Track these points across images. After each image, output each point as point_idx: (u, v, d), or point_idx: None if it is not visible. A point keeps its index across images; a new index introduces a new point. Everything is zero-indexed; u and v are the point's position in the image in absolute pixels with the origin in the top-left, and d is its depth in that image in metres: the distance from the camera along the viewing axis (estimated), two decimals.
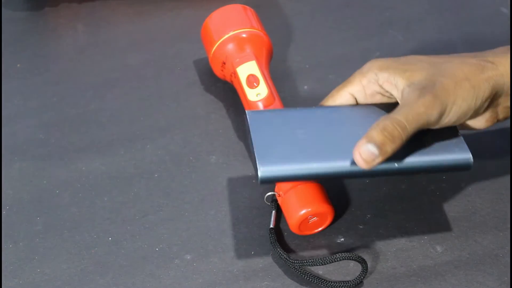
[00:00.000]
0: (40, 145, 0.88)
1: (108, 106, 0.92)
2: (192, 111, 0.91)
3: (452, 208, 0.81)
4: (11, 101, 0.93)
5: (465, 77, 0.73)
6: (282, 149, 0.73)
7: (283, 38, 0.98)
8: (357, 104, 0.77)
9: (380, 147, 0.70)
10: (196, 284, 0.76)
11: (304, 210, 0.77)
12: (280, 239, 0.79)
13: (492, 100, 0.75)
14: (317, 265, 0.76)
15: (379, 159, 0.70)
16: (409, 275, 0.76)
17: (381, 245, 0.79)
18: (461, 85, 0.73)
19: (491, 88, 0.74)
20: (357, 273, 0.76)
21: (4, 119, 0.91)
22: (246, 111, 0.76)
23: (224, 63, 0.88)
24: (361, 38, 0.99)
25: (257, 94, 0.84)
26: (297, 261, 0.76)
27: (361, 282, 0.76)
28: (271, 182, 0.73)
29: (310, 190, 0.78)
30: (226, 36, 0.88)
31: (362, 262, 0.75)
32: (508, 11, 1.01)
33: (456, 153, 0.74)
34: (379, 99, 0.77)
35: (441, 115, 0.72)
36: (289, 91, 0.92)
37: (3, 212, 0.82)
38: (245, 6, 0.91)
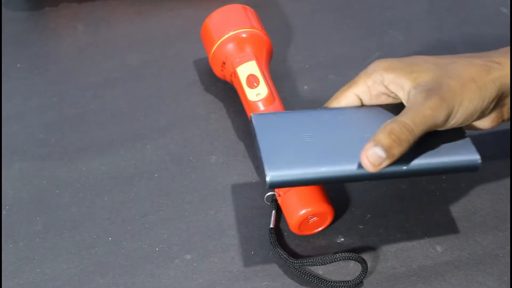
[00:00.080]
0: (40, 145, 0.88)
1: (108, 106, 0.92)
2: (192, 111, 0.91)
3: (452, 208, 0.81)
4: (11, 101, 0.93)
5: (472, 78, 0.73)
6: (289, 153, 0.72)
7: (283, 38, 0.98)
8: (362, 105, 0.77)
9: (387, 150, 0.70)
10: (196, 284, 0.76)
11: (304, 210, 0.77)
12: (280, 239, 0.79)
13: (498, 100, 0.75)
14: (317, 265, 0.76)
15: (386, 163, 0.70)
16: (409, 275, 0.76)
17: (381, 245, 0.78)
18: (468, 87, 0.72)
19: (498, 89, 0.73)
20: (357, 273, 0.76)
21: (4, 119, 0.91)
22: (252, 115, 0.76)
23: (224, 63, 0.88)
24: (361, 38, 0.99)
25: (257, 94, 0.84)
26: (297, 261, 0.76)
27: (361, 282, 0.76)
28: (279, 186, 0.72)
29: (310, 190, 0.78)
30: (226, 36, 0.88)
31: (362, 262, 0.75)
32: (508, 11, 1.01)
33: (464, 155, 0.73)
34: (384, 99, 0.77)
35: (448, 117, 0.72)
36: (289, 91, 0.92)
37: (3, 212, 0.82)
38: (245, 6, 0.91)
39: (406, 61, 0.76)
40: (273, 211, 0.80)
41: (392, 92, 0.76)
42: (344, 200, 0.82)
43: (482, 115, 0.74)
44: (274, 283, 0.76)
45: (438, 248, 0.78)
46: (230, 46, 0.88)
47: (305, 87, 0.93)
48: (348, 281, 0.75)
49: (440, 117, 0.71)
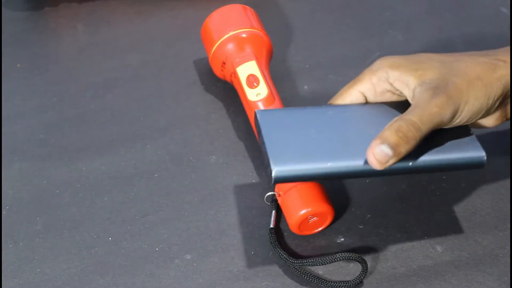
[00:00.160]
0: (40, 145, 0.88)
1: (108, 106, 0.92)
2: (192, 111, 0.91)
3: (452, 208, 0.81)
4: (11, 101, 0.93)
5: (478, 76, 0.73)
6: (295, 148, 0.72)
7: (283, 38, 0.98)
8: (367, 102, 0.77)
9: (394, 148, 0.70)
10: (196, 284, 0.76)
11: (304, 210, 0.77)
12: (280, 239, 0.79)
13: (503, 99, 0.75)
14: (317, 265, 0.76)
15: (393, 160, 0.70)
16: (409, 275, 0.76)
17: (381, 245, 0.79)
18: (474, 85, 0.72)
19: (503, 87, 0.73)
20: (357, 273, 0.76)
21: (4, 119, 0.91)
22: (256, 111, 0.75)
23: (224, 63, 0.88)
24: (361, 38, 0.99)
25: (257, 94, 0.84)
26: (297, 261, 0.76)
27: (361, 282, 0.76)
28: (283, 181, 0.72)
29: (310, 190, 0.78)
30: (226, 36, 0.88)
31: (362, 262, 0.75)
32: (508, 11, 1.01)
33: (469, 151, 0.73)
34: (389, 97, 0.77)
35: (454, 115, 0.72)
36: (289, 91, 0.92)
37: (3, 212, 0.82)
38: (245, 6, 0.91)
39: (411, 59, 0.76)
40: (273, 211, 0.80)
41: (397, 90, 0.75)
42: (344, 200, 0.82)
43: (487, 113, 0.74)
44: (274, 283, 0.76)
45: (438, 248, 0.78)
46: (230, 46, 0.88)
47: (305, 87, 0.93)
48: (348, 281, 0.75)
49: (446, 115, 0.71)
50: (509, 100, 0.76)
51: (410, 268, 0.77)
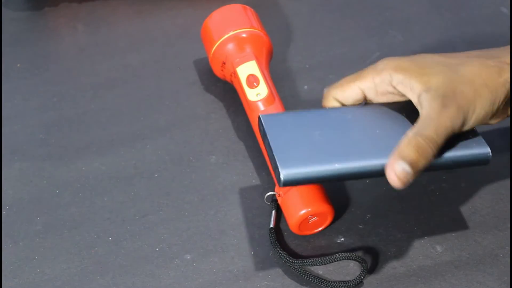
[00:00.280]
0: (40, 145, 0.88)
1: (108, 106, 0.92)
2: (192, 111, 0.91)
3: (452, 208, 0.81)
4: (11, 101, 0.93)
5: (484, 83, 0.73)
6: (301, 151, 0.72)
7: (283, 38, 0.98)
8: (365, 100, 0.77)
9: (413, 165, 0.70)
10: (196, 284, 0.76)
11: (304, 210, 0.77)
12: (280, 239, 0.79)
13: (507, 101, 0.75)
14: (317, 265, 0.76)
15: (413, 177, 0.70)
16: (409, 275, 0.76)
17: (381, 245, 0.78)
18: (480, 93, 0.73)
19: (506, 92, 0.74)
20: (357, 273, 0.76)
21: (4, 119, 0.91)
22: (260, 115, 0.75)
23: (224, 63, 0.88)
24: (361, 38, 0.99)
25: (257, 94, 0.84)
26: (297, 261, 0.76)
27: (361, 282, 0.76)
28: (292, 184, 0.72)
29: (310, 190, 0.78)
30: (226, 36, 0.88)
31: (362, 262, 0.75)
32: (508, 11, 1.01)
33: (475, 148, 0.74)
34: (390, 98, 0.76)
35: (463, 125, 0.72)
36: (289, 91, 0.92)
37: (3, 212, 0.82)
38: (245, 6, 0.91)
39: (415, 62, 0.75)
40: (273, 211, 0.80)
41: (400, 92, 0.75)
42: (344, 200, 0.82)
43: (491, 117, 0.75)
44: (274, 283, 0.76)
45: (438, 248, 0.78)
46: (230, 46, 0.88)
47: (305, 87, 0.93)
48: (348, 281, 0.75)
49: (457, 126, 0.72)
50: (509, 100, 0.76)
51: (410, 268, 0.77)
